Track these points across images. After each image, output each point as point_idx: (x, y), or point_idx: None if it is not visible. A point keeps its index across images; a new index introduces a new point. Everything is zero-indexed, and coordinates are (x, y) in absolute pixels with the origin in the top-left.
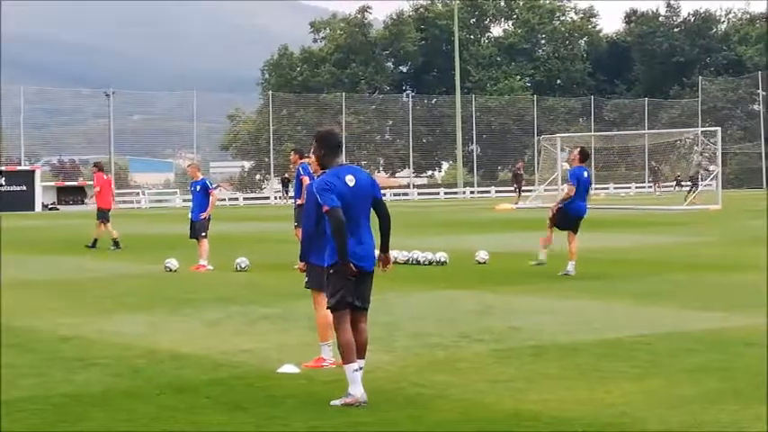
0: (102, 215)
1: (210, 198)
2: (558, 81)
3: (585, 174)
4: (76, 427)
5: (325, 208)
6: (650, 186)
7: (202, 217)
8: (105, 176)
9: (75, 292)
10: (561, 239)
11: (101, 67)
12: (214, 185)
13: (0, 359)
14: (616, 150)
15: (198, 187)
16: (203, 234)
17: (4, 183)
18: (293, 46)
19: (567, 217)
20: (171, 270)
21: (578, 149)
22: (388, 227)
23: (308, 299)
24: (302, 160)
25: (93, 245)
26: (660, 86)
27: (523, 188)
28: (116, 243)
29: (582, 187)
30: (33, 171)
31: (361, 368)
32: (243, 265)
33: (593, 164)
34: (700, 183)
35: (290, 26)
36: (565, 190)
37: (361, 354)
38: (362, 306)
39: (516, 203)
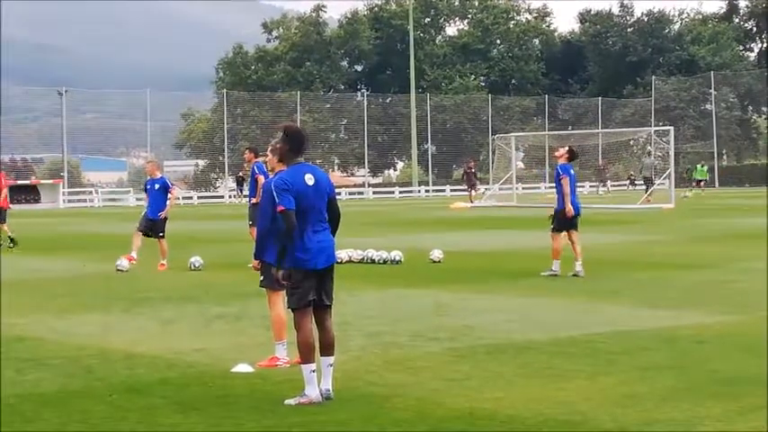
0: (2, 216)
1: (170, 196)
2: (513, 80)
3: (572, 171)
4: (29, 428)
5: (280, 208)
6: (601, 185)
7: (162, 216)
8: (6, 178)
9: (26, 291)
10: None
11: (53, 65)
12: (171, 184)
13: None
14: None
15: (157, 186)
16: (161, 234)
17: None
18: (248, 45)
19: (566, 217)
20: (123, 270)
21: (566, 148)
22: (337, 222)
23: (262, 298)
24: (257, 159)
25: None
26: (614, 86)
27: (477, 186)
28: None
29: (572, 184)
30: None
31: (331, 365)
32: (197, 264)
33: (546, 163)
34: (654, 181)
35: (245, 24)
36: (565, 187)
37: (330, 351)
38: (326, 303)
39: (471, 202)
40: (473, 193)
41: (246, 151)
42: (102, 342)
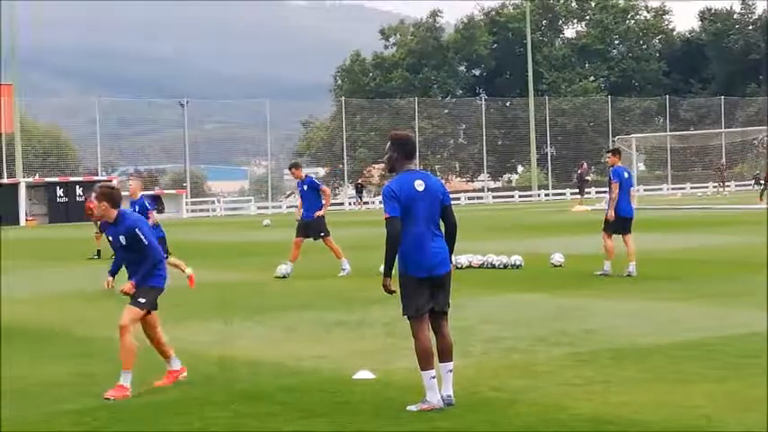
0: None
1: (150, 219)
2: (633, 81)
3: (626, 174)
4: None
5: (386, 215)
6: (720, 186)
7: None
8: None
9: None
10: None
11: (174, 77)
12: (149, 207)
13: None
14: (693, 150)
15: (137, 208)
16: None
17: (81, 193)
18: (365, 51)
19: (616, 220)
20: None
21: (610, 152)
22: (453, 234)
23: (383, 304)
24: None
25: None
26: (736, 85)
27: (586, 189)
28: None
29: (625, 188)
30: (110, 181)
31: (450, 371)
32: (282, 273)
33: (668, 164)
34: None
35: (362, 32)
36: (613, 192)
37: (448, 357)
38: (441, 310)
39: (582, 204)
40: (582, 197)
41: (295, 169)
42: (222, 349)
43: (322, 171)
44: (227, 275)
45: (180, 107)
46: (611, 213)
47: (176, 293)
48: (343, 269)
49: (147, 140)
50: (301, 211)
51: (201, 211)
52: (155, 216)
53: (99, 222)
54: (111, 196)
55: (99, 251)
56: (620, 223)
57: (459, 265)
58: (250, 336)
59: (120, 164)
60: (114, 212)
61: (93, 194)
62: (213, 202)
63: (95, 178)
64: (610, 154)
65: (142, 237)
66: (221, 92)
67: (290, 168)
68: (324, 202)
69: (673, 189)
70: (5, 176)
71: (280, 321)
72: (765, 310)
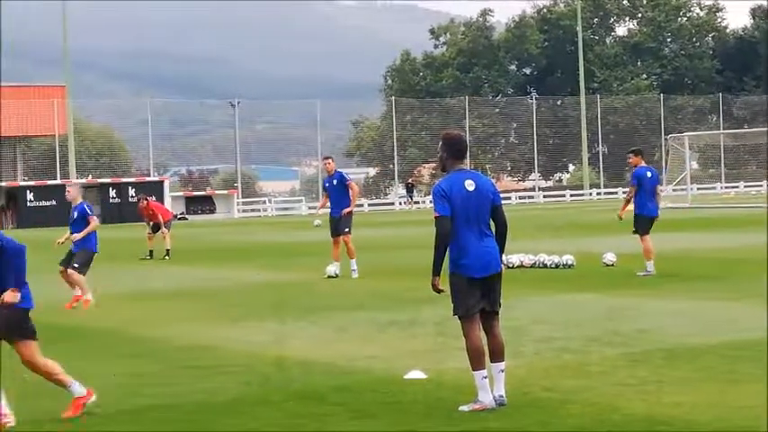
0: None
1: (90, 225)
2: (686, 79)
3: (649, 174)
4: None
5: (435, 214)
6: None
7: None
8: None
9: (203, 300)
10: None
11: (225, 77)
12: (91, 212)
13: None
14: (747, 148)
15: (75, 214)
16: (75, 265)
17: (134, 194)
18: (415, 51)
19: (643, 220)
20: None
21: (632, 152)
22: (504, 233)
23: (434, 304)
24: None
25: None
26: None
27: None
28: None
29: (648, 188)
30: (162, 182)
31: (502, 371)
32: (331, 273)
33: (722, 163)
34: None
35: (412, 31)
36: (629, 194)
37: (500, 357)
38: (492, 310)
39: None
40: None
41: (330, 160)
42: (277, 350)
43: (372, 171)
44: (280, 276)
45: (231, 108)
46: (620, 213)
47: (232, 294)
48: (353, 270)
49: (198, 141)
50: (322, 208)
51: (253, 211)
52: (95, 222)
53: (152, 223)
54: None
55: (151, 252)
56: (642, 223)
57: (511, 265)
58: (303, 336)
59: (172, 164)
60: None
61: None
62: (264, 203)
63: (147, 179)
64: (632, 155)
65: None
66: (272, 92)
67: (324, 159)
68: (351, 198)
69: (726, 188)
70: (59, 177)
71: (332, 321)
72: None
